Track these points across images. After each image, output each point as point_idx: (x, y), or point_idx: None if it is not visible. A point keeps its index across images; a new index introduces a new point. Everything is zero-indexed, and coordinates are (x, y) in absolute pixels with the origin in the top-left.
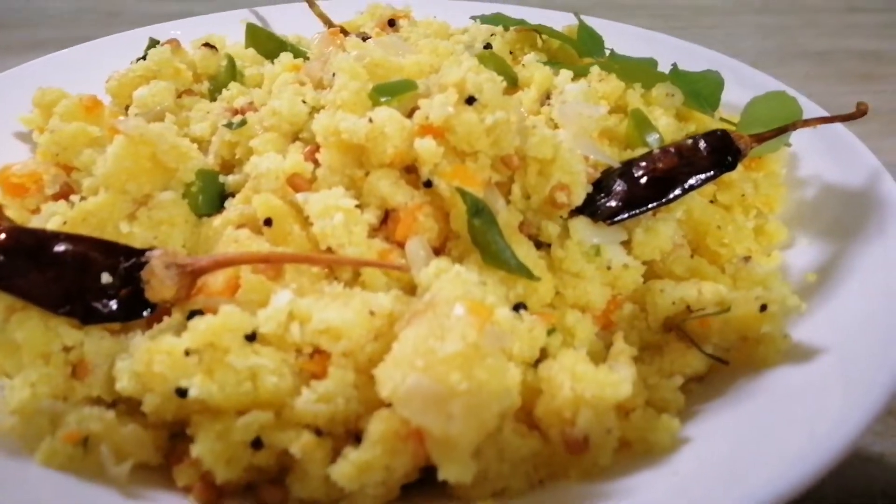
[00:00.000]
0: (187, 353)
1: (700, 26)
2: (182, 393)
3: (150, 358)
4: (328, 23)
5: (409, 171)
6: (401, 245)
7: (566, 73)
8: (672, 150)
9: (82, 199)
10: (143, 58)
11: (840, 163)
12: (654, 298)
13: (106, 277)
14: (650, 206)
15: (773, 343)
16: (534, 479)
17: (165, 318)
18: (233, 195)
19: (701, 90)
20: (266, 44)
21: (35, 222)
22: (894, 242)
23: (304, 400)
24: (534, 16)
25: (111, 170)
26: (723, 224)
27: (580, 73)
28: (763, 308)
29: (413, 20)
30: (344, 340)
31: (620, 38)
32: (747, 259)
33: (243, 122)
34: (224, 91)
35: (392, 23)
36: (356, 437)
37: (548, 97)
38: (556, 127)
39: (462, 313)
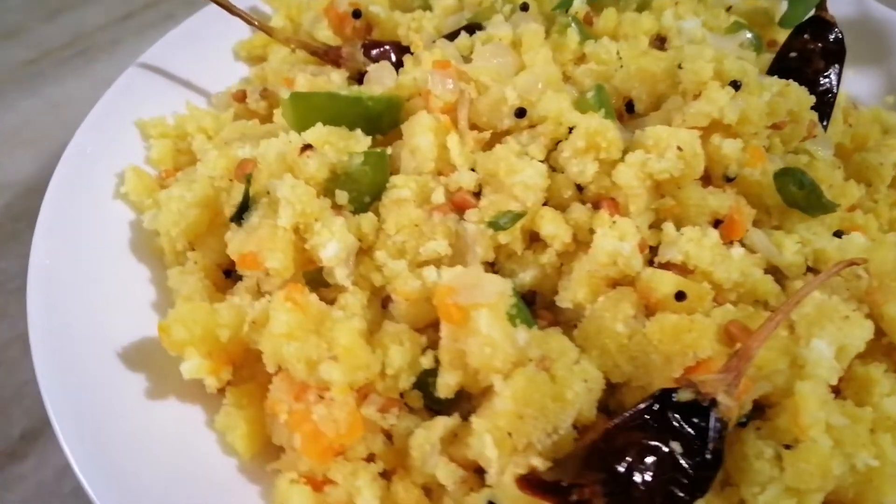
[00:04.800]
0: None
1: None
2: None
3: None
4: (264, 28)
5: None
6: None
7: (668, 13)
8: (802, 40)
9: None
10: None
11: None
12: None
13: (677, 446)
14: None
15: None
16: None
17: None
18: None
19: None
20: (330, 107)
21: None
22: None
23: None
24: None
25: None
26: None
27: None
28: None
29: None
30: None
31: None
32: (855, 106)
33: (519, 216)
34: (392, 190)
35: (357, 14)
36: None
37: (662, 41)
38: None
39: None
